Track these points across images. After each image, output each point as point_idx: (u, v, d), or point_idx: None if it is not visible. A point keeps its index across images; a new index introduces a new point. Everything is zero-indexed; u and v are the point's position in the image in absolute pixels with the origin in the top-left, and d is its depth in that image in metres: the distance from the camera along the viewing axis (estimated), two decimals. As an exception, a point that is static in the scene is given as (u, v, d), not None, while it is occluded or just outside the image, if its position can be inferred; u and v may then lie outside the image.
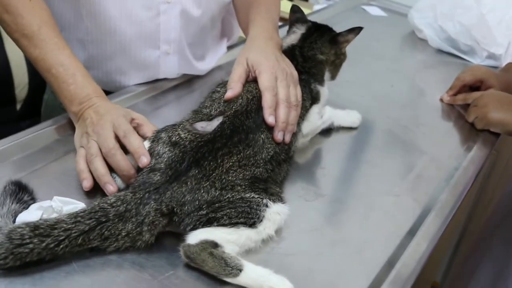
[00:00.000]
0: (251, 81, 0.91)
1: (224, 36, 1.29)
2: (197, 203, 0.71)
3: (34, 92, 1.73)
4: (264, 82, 0.88)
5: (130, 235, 0.68)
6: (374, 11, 1.91)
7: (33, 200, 0.75)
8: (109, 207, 0.69)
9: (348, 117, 1.09)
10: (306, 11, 1.87)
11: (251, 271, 0.68)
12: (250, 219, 0.72)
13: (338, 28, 1.04)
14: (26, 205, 0.73)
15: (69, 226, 0.65)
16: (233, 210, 0.71)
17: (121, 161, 0.78)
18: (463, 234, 1.97)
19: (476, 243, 1.44)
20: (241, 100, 0.86)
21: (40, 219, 0.68)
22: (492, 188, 1.83)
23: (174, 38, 1.07)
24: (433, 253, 0.82)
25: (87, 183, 0.78)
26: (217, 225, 0.70)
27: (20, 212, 0.71)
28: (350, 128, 1.10)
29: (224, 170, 0.75)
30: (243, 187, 0.74)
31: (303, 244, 0.78)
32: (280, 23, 1.20)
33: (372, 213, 0.87)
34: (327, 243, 0.80)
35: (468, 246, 1.79)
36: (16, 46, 0.92)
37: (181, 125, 0.82)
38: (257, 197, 0.74)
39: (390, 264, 0.77)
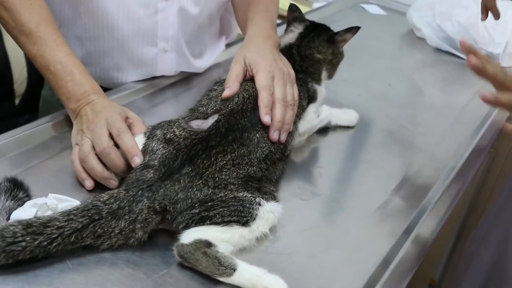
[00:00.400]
0: (248, 80, 0.91)
1: (222, 34, 1.29)
2: (189, 201, 0.71)
3: (33, 87, 1.73)
4: (261, 81, 0.88)
5: (123, 232, 0.68)
6: (373, 9, 1.90)
7: (28, 197, 0.75)
8: (102, 205, 0.69)
9: (345, 116, 1.09)
10: (305, 9, 1.87)
11: (245, 271, 0.68)
12: (243, 217, 0.72)
13: (337, 27, 1.04)
14: (21, 202, 0.73)
15: (62, 224, 0.65)
16: (226, 209, 0.71)
17: (116, 159, 0.78)
18: (461, 231, 1.98)
19: (474, 240, 1.44)
20: (237, 98, 0.86)
21: (34, 217, 0.68)
22: (490, 186, 1.83)
23: (171, 36, 1.07)
24: (429, 251, 0.82)
25: (89, 183, 0.79)
26: (210, 224, 0.70)
27: (15, 209, 0.71)
28: (347, 127, 1.10)
29: (218, 168, 0.75)
30: (236, 185, 0.74)
31: (298, 244, 0.78)
32: (278, 21, 1.20)
33: (368, 212, 0.87)
34: (322, 242, 0.80)
35: (466, 243, 1.79)
36: (15, 42, 0.92)
37: (177, 123, 0.82)
38: (250, 196, 0.74)
39: (385, 263, 0.77)
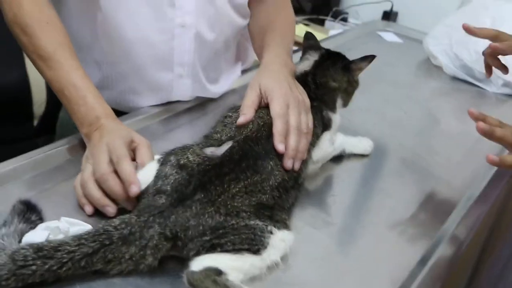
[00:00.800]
0: (263, 107, 0.91)
1: (238, 60, 1.30)
2: (201, 228, 0.70)
3: (52, 109, 1.76)
4: (276, 109, 0.88)
5: (133, 258, 0.68)
6: (390, 37, 1.91)
7: (41, 220, 0.75)
8: (113, 230, 0.68)
9: (360, 144, 1.08)
10: (321, 36, 1.89)
11: (254, 300, 0.67)
12: (254, 245, 0.71)
13: (353, 54, 1.04)
14: (33, 225, 0.73)
15: (73, 248, 0.65)
16: (237, 237, 0.71)
17: (113, 186, 0.77)
18: (478, 263, 1.93)
19: (495, 270, 1.40)
20: (251, 125, 0.86)
21: (46, 240, 0.68)
22: (509, 216, 1.79)
23: (187, 61, 1.08)
24: (445, 284, 0.80)
25: (89, 209, 0.79)
26: (221, 251, 0.70)
27: (27, 232, 0.72)
28: (362, 155, 1.09)
29: (230, 195, 0.74)
30: (248, 213, 0.74)
31: (309, 274, 0.77)
32: (294, 48, 1.20)
33: (382, 243, 0.86)
34: (334, 273, 0.78)
35: (482, 276, 1.75)
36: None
37: (191, 149, 0.82)
38: (261, 224, 0.73)
39: (398, 296, 0.75)
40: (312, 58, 1.03)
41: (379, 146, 1.12)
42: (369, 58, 0.99)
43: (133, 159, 0.82)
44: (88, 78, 0.91)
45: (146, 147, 0.84)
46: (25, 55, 1.67)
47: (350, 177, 1.03)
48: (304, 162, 0.89)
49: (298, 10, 2.67)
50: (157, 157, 0.82)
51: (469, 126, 1.32)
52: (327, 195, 0.96)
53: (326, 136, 0.98)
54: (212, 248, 0.70)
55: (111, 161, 0.79)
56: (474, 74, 1.56)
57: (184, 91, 1.13)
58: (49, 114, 1.83)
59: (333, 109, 1.00)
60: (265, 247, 0.72)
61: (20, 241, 0.70)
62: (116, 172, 0.78)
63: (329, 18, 2.62)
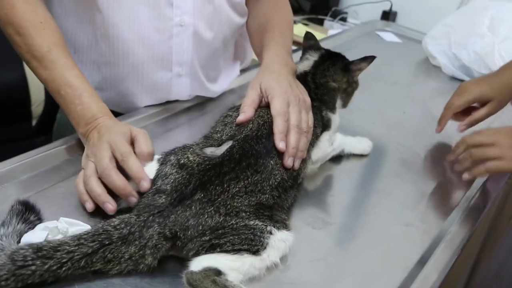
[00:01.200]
0: (263, 107, 0.91)
1: (237, 59, 1.30)
2: (200, 228, 0.70)
3: (50, 109, 1.76)
4: (276, 107, 0.88)
5: (133, 258, 0.68)
6: (389, 37, 1.91)
7: (40, 220, 0.75)
8: (112, 230, 0.68)
9: (359, 144, 1.08)
10: (320, 35, 1.89)
11: (254, 300, 0.67)
12: (254, 246, 0.71)
13: (352, 54, 1.04)
14: (32, 225, 0.73)
15: (72, 248, 0.65)
16: (237, 237, 0.70)
17: (116, 180, 0.77)
18: (476, 263, 1.93)
19: (491, 270, 1.40)
20: (251, 125, 0.86)
21: (45, 240, 0.68)
22: (507, 216, 1.79)
23: (186, 60, 1.08)
24: (443, 283, 0.80)
25: (89, 205, 0.78)
26: (220, 251, 0.70)
27: (26, 232, 0.71)
28: (361, 156, 1.09)
29: (230, 195, 0.74)
30: (248, 213, 0.74)
31: (308, 274, 0.77)
32: (293, 47, 1.20)
33: (381, 243, 0.86)
34: (334, 272, 0.78)
35: (480, 276, 1.75)
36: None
37: (191, 149, 0.82)
38: (261, 224, 0.73)
39: (397, 296, 0.75)
40: (312, 58, 1.03)
41: (378, 146, 1.12)
42: (369, 59, 0.99)
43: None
44: (83, 77, 0.91)
45: (143, 136, 0.84)
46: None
47: (349, 177, 1.03)
48: (303, 162, 0.89)
49: (297, 9, 2.67)
50: (157, 157, 0.82)
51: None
52: (326, 195, 0.96)
53: (325, 136, 0.98)
54: (211, 248, 0.70)
55: (113, 158, 0.79)
56: (473, 74, 1.56)
57: (183, 90, 1.13)
58: (47, 114, 1.83)
59: (332, 109, 1.00)
60: (265, 248, 0.72)
61: (18, 242, 0.69)
62: (118, 168, 0.78)
63: (328, 17, 2.62)
